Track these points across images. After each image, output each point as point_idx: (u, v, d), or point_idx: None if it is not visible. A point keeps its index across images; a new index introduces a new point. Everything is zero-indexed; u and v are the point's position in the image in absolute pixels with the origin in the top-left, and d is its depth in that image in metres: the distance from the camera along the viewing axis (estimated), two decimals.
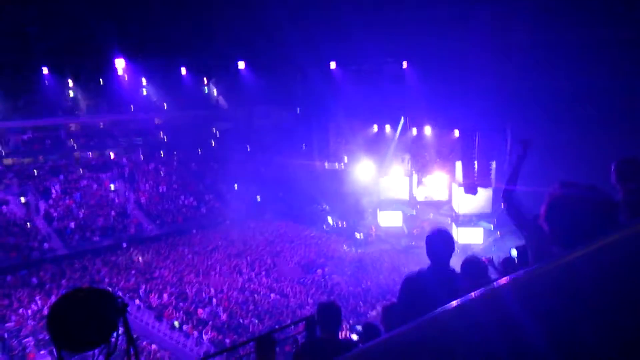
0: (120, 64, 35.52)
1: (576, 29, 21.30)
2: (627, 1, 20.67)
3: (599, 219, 1.93)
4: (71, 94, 39.30)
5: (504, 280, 1.44)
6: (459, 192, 31.71)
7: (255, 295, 24.78)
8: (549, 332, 1.27)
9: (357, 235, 33.22)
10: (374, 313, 21.36)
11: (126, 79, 36.78)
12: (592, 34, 20.48)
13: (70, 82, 38.48)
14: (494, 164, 30.16)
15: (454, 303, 1.43)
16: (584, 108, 21.48)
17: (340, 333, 4.44)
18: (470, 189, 30.18)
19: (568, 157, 19.55)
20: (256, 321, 22.02)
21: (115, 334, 2.17)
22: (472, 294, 1.41)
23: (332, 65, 34.52)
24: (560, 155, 20.46)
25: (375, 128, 36.13)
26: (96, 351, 2.12)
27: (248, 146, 40.08)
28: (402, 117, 34.26)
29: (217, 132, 43.92)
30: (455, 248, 3.87)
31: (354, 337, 6.26)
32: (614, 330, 1.22)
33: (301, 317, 4.66)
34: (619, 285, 1.25)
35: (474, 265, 4.20)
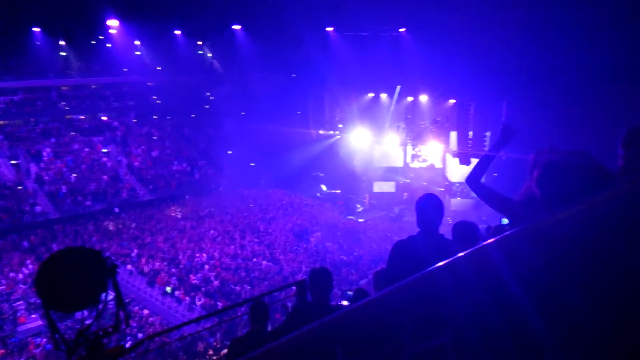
0: (113, 25, 34.90)
1: (575, 6, 21.06)
2: None
3: (590, 184, 1.92)
4: (63, 54, 38.67)
5: (490, 240, 1.44)
6: (453, 161, 31.82)
7: (248, 262, 24.95)
8: (532, 288, 1.29)
9: (358, 207, 33.34)
10: (365, 281, 21.58)
11: (119, 40, 36.17)
12: (591, 11, 20.28)
13: (62, 43, 37.84)
14: (488, 135, 30.18)
15: (441, 263, 1.44)
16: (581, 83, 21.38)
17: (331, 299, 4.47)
18: (465, 159, 30.27)
19: (563, 129, 19.53)
20: (248, 287, 22.22)
21: (104, 295, 2.15)
22: (460, 254, 1.42)
23: (329, 30, 34.06)
24: (555, 126, 20.46)
25: (371, 96, 35.93)
26: (85, 312, 2.11)
27: (243, 112, 39.77)
28: (398, 86, 34.05)
29: (212, 96, 43.51)
30: (446, 216, 3.87)
31: (345, 302, 6.31)
32: (595, 288, 1.24)
33: (292, 282, 4.68)
34: (599, 244, 1.26)
35: (465, 228, 4.19)
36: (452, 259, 1.44)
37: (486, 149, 29.76)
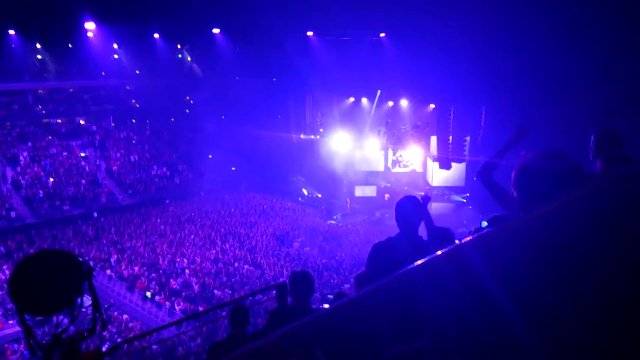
0: (90, 28, 34.51)
1: (554, 9, 21.38)
2: None
3: (567, 185, 1.94)
4: (39, 58, 38.15)
5: (467, 239, 1.45)
6: (433, 166, 32.05)
7: (229, 267, 24.81)
8: (511, 288, 1.30)
9: (336, 217, 33.28)
10: (347, 286, 21.58)
11: (97, 44, 35.78)
12: (569, 15, 20.60)
13: (39, 46, 37.33)
14: (468, 139, 30.48)
15: (418, 262, 1.43)
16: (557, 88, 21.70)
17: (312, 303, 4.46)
18: (445, 164, 30.53)
19: (543, 132, 19.78)
20: (229, 292, 22.09)
21: (80, 299, 2.12)
22: (438, 252, 1.42)
23: (309, 34, 34.11)
24: (535, 130, 20.68)
25: (352, 100, 36.04)
26: (60, 316, 2.07)
27: (223, 116, 39.61)
28: (379, 90, 34.22)
29: (191, 100, 43.26)
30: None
31: (326, 306, 6.29)
32: (574, 288, 1.24)
33: (272, 285, 4.67)
34: (578, 242, 1.27)
35: (441, 231, 4.26)
36: (429, 257, 1.45)
37: (466, 153, 30.21)
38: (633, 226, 1.26)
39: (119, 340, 18.91)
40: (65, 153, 35.74)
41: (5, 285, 21.47)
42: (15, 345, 18.62)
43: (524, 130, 3.69)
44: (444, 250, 1.45)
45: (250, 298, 16.12)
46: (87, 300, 2.17)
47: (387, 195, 34.11)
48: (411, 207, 3.76)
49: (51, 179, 32.65)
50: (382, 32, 32.18)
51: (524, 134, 3.68)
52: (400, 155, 34.65)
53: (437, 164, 31.34)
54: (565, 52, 21.44)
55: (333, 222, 32.68)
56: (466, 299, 1.35)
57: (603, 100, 19.06)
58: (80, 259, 2.13)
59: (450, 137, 30.79)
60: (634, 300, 1.18)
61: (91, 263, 2.07)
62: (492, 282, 1.32)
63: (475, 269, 1.35)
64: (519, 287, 1.29)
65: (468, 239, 1.47)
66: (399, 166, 34.94)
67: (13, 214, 28.98)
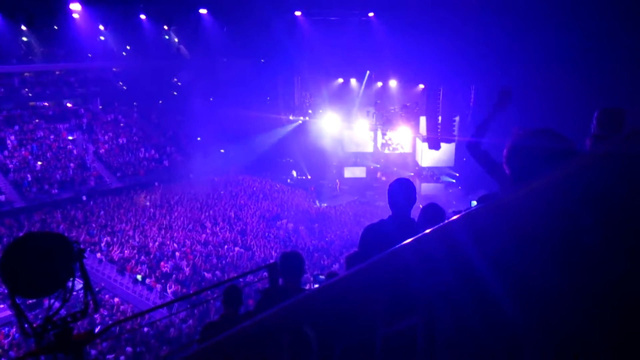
0: (76, 9, 33.94)
1: None
2: None
3: (558, 163, 1.96)
4: (25, 40, 37.55)
5: (454, 217, 1.46)
6: (422, 146, 32.09)
7: (219, 249, 24.85)
8: (499, 266, 1.30)
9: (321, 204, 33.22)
10: (337, 266, 21.72)
11: (83, 25, 35.23)
12: None
13: (24, 28, 36.70)
14: (457, 119, 30.50)
15: (407, 241, 1.44)
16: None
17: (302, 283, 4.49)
18: (434, 144, 30.56)
19: (532, 111, 19.85)
20: (220, 274, 22.16)
21: (71, 281, 2.13)
22: (426, 231, 1.43)
23: (297, 14, 33.79)
24: (524, 109, 20.74)
25: (340, 81, 35.90)
26: (52, 298, 2.08)
27: (211, 97, 39.33)
28: (368, 71, 34.08)
29: (179, 82, 42.86)
30: (418, 199, 3.91)
31: (316, 286, 6.34)
32: (563, 266, 1.25)
33: (263, 265, 4.69)
34: (565, 219, 1.28)
35: (432, 210, 4.27)
36: (418, 236, 1.45)
37: (455, 133, 30.25)
38: (617, 204, 1.27)
39: (110, 323, 18.98)
40: (52, 136, 35.38)
41: None
42: (7, 329, 18.60)
43: (507, 91, 3.53)
44: (432, 229, 1.45)
45: (242, 279, 16.19)
46: (78, 284, 2.18)
47: (380, 175, 34.17)
48: (403, 190, 3.77)
49: (39, 163, 32.36)
50: (370, 12, 31.94)
51: (507, 96, 3.53)
52: (390, 139, 34.63)
53: (426, 144, 31.38)
54: (554, 29, 21.40)
55: (324, 204, 32.70)
56: (454, 277, 1.36)
57: (593, 77, 19.11)
58: (71, 241, 2.13)
59: (440, 118, 30.80)
60: (621, 278, 1.19)
61: (79, 243, 2.05)
62: (480, 261, 1.32)
63: (463, 247, 1.36)
64: (507, 266, 1.29)
65: (455, 217, 1.48)
66: (388, 149, 34.97)
67: (2, 197, 28.76)
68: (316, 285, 6.61)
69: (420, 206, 4.65)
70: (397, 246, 1.46)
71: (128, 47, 40.14)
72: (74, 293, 2.14)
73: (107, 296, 21.44)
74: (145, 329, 16.61)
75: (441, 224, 1.45)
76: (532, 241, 1.32)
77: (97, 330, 16.99)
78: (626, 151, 1.40)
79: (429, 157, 31.99)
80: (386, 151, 35.10)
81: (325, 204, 32.68)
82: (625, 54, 18.95)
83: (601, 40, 19.88)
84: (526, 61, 22.41)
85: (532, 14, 22.04)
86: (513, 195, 1.50)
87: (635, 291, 1.18)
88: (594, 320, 1.20)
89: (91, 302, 2.21)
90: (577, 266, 1.25)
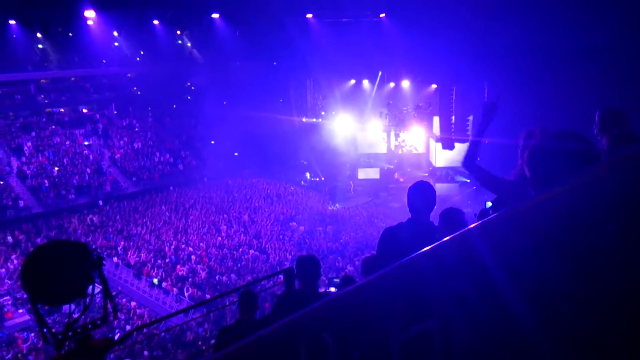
0: (90, 16, 34.32)
1: None
2: None
3: (579, 167, 1.95)
4: (40, 47, 38.02)
5: (473, 225, 1.46)
6: (436, 146, 31.95)
7: (234, 252, 24.93)
8: (516, 273, 1.30)
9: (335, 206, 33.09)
10: (352, 268, 21.68)
11: (97, 32, 35.60)
12: None
13: (39, 36, 37.17)
14: (471, 118, 30.32)
15: (425, 249, 1.44)
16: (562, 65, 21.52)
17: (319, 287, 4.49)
18: (448, 144, 30.41)
19: (546, 108, 19.72)
20: (235, 277, 22.23)
21: (91, 288, 2.15)
22: (444, 239, 1.43)
23: (309, 17, 33.86)
24: (538, 106, 20.62)
25: (353, 82, 35.88)
26: (72, 305, 2.11)
27: (224, 101, 39.51)
28: (380, 72, 34.02)
29: (192, 86, 43.11)
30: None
31: (332, 289, 6.35)
32: (581, 274, 1.24)
33: (279, 270, 4.70)
34: (585, 226, 1.27)
35: (452, 215, 4.25)
36: (435, 244, 1.45)
37: (469, 133, 30.05)
38: (637, 210, 1.26)
39: (127, 327, 19.12)
40: (68, 142, 35.77)
41: (15, 275, 21.72)
42: (25, 334, 18.82)
43: (492, 104, 3.49)
44: (450, 237, 1.45)
45: (257, 283, 16.23)
46: (96, 288, 2.20)
47: (397, 175, 34.05)
48: (423, 193, 3.76)
49: (56, 169, 32.74)
50: (382, 13, 31.92)
51: (492, 109, 3.48)
52: (403, 140, 34.54)
53: (440, 144, 31.24)
54: (567, 27, 21.23)
55: (337, 206, 32.66)
56: (472, 284, 1.35)
57: (605, 75, 18.92)
58: (91, 248, 2.16)
59: (453, 117, 30.66)
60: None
61: (98, 250, 2.08)
62: (498, 269, 1.32)
63: (481, 255, 1.35)
64: (524, 274, 1.29)
65: (474, 225, 1.48)
66: (402, 150, 34.87)
67: (21, 203, 29.13)
68: (332, 289, 6.61)
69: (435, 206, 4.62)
70: (414, 254, 1.46)
71: (142, 53, 40.45)
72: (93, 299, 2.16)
73: (124, 300, 21.62)
74: (162, 334, 16.71)
75: (458, 232, 1.45)
76: (550, 247, 1.31)
77: (115, 335, 17.16)
78: None
79: (443, 157, 31.82)
80: (400, 152, 35.00)
81: (339, 206, 32.64)
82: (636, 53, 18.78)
83: (617, 40, 19.68)
84: (538, 58, 22.24)
85: (544, 11, 21.88)
86: (531, 202, 1.49)
87: None
88: (610, 328, 1.18)
89: (110, 309, 2.23)
90: (594, 273, 1.24)
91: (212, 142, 39.17)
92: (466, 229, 1.44)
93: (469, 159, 3.34)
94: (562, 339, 1.22)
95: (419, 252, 1.45)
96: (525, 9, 22.57)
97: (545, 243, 1.29)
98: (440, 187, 30.25)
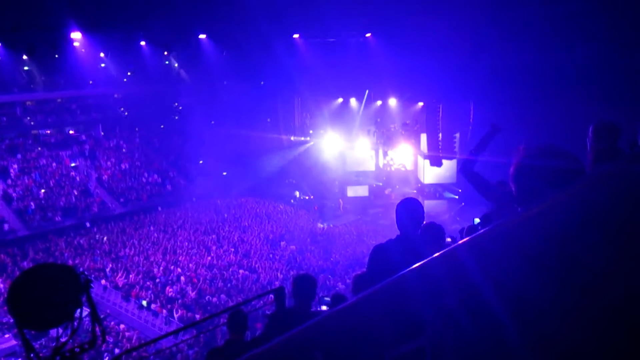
0: (76, 37, 34.31)
1: (542, 5, 21.57)
2: None
3: (564, 182, 1.96)
4: (26, 69, 37.90)
5: (461, 241, 1.47)
6: (424, 163, 32.13)
7: (224, 272, 24.76)
8: (503, 290, 1.30)
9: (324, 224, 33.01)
10: (343, 286, 21.61)
11: (83, 53, 35.56)
12: (556, 10, 20.80)
13: (25, 57, 37.04)
14: (457, 136, 30.56)
15: (414, 266, 1.45)
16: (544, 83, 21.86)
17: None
18: (435, 161, 30.57)
19: (530, 127, 19.94)
20: (226, 298, 22.04)
21: (79, 311, 2.13)
22: (432, 256, 1.44)
23: (296, 37, 34.14)
24: (522, 125, 20.83)
25: (340, 100, 36.11)
26: (60, 329, 2.08)
27: (212, 120, 39.54)
28: (367, 90, 34.28)
29: (180, 106, 43.13)
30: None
31: (323, 308, 6.33)
32: (566, 290, 1.25)
33: (270, 290, 4.69)
34: (566, 243, 1.28)
35: (431, 229, 4.30)
36: (424, 261, 1.46)
37: (456, 150, 30.27)
38: (622, 225, 1.27)
39: (116, 350, 18.84)
40: (55, 164, 35.54)
41: (0, 300, 21.36)
42: (12, 359, 18.47)
43: (497, 126, 3.82)
44: (438, 253, 1.46)
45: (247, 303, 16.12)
46: (84, 311, 2.18)
47: (388, 191, 34.16)
48: (410, 210, 3.79)
49: (42, 191, 32.46)
50: (368, 32, 32.24)
51: (497, 130, 3.81)
52: (392, 159, 34.73)
53: (428, 161, 31.42)
54: (552, 47, 21.59)
55: (325, 224, 32.63)
56: (460, 302, 1.35)
57: (591, 95, 19.20)
58: (78, 271, 2.14)
59: (440, 135, 30.87)
60: (626, 303, 1.19)
61: (86, 273, 2.05)
62: (486, 286, 1.32)
63: (469, 272, 1.36)
64: (511, 291, 1.29)
65: (462, 241, 1.49)
66: (390, 168, 35.07)
67: (6, 226, 28.78)
68: (323, 307, 6.58)
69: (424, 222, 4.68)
70: (403, 272, 1.47)
71: (129, 73, 40.45)
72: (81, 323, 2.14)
73: (112, 323, 21.33)
74: (152, 357, 16.48)
75: (447, 249, 1.46)
76: (536, 263, 1.31)
77: (104, 359, 16.92)
78: (629, 171, 1.40)
79: (431, 174, 31.98)
80: (388, 169, 35.16)
81: (329, 224, 32.61)
82: (621, 73, 19.12)
83: (599, 59, 20.05)
84: (523, 77, 22.55)
85: (529, 32, 22.24)
86: (517, 218, 1.50)
87: (636, 314, 1.17)
88: (596, 343, 1.18)
89: (99, 332, 2.21)
90: (581, 288, 1.24)
91: (201, 161, 39.11)
92: (454, 245, 1.45)
93: (468, 166, 3.53)
94: (551, 355, 1.23)
95: (408, 269, 1.45)
96: (510, 29, 22.90)
97: (532, 259, 1.30)
98: (428, 204, 30.39)
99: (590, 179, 1.54)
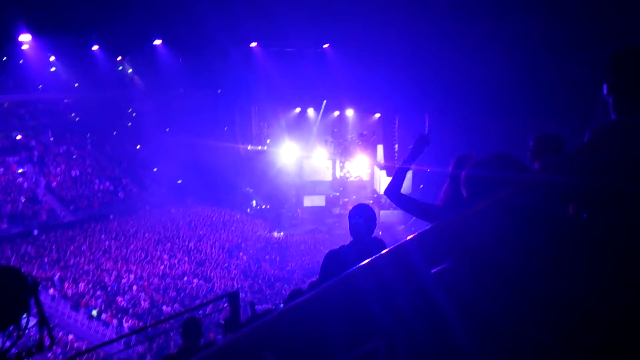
0: (25, 40, 33.29)
1: (492, 21, 22.26)
2: None
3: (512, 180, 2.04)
4: None
5: (408, 238, 1.50)
6: (380, 174, 32.45)
7: (178, 281, 24.34)
8: (449, 288, 1.33)
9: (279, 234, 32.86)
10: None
11: (33, 56, 34.52)
12: (507, 25, 21.53)
13: None
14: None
15: (362, 263, 1.47)
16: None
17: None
18: (391, 172, 30.83)
19: (482, 138, 20.47)
20: (179, 307, 21.66)
21: (25, 315, 2.08)
22: (381, 252, 1.46)
23: (253, 45, 34.09)
24: (474, 136, 21.36)
25: (298, 110, 36.20)
26: (5, 334, 2.03)
27: (167, 128, 38.95)
28: (324, 100, 34.48)
29: (134, 112, 42.29)
30: (377, 227, 3.96)
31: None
32: (509, 286, 1.28)
33: (224, 294, 4.66)
34: (511, 238, 1.33)
35: (375, 243, 4.34)
36: (371, 258, 1.48)
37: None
38: (566, 224, 1.32)
39: None
40: (1, 169, 34.23)
41: None
42: None
43: (424, 136, 3.74)
44: (385, 251, 1.48)
45: (200, 311, 15.88)
46: (32, 321, 2.12)
47: (342, 202, 34.26)
48: (363, 215, 3.82)
49: None
50: (325, 43, 32.49)
51: (424, 141, 3.72)
52: (348, 172, 34.95)
53: (384, 172, 31.75)
54: (502, 61, 22.27)
55: (281, 233, 32.51)
56: (411, 301, 1.37)
57: (538, 106, 19.89)
58: (25, 274, 2.08)
59: (396, 146, 31.31)
60: (569, 299, 1.23)
61: (33, 275, 1.97)
62: (432, 283, 1.35)
63: (416, 270, 1.38)
64: (456, 288, 1.32)
65: (408, 238, 1.52)
66: (348, 180, 35.29)
67: None
68: None
69: (380, 232, 4.70)
70: (351, 269, 1.48)
71: (80, 78, 39.43)
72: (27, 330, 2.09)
73: (60, 333, 20.62)
74: None
75: (394, 246, 1.48)
76: (479, 261, 1.34)
77: None
78: (562, 176, 1.46)
79: (387, 185, 32.29)
80: (346, 177, 35.33)
81: (284, 233, 32.51)
82: (558, 82, 19.94)
83: (549, 71, 20.83)
84: (475, 89, 23.15)
85: (481, 46, 22.88)
86: (460, 214, 1.55)
87: (584, 309, 1.22)
88: (543, 339, 1.22)
89: (47, 337, 2.16)
90: (523, 285, 1.27)
91: (155, 169, 38.43)
92: (401, 242, 1.48)
93: (393, 187, 3.47)
94: (501, 354, 1.26)
95: (356, 266, 1.47)
96: (464, 43, 23.51)
97: (474, 255, 1.34)
98: (384, 214, 30.64)
99: (539, 175, 1.59)
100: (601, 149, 1.62)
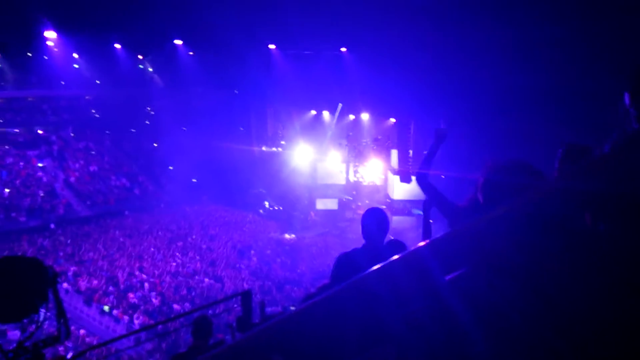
0: (51, 37, 33.75)
1: (508, 29, 22.09)
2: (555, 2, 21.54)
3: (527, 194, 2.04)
4: None
5: (422, 243, 1.51)
6: (394, 179, 32.36)
7: (189, 280, 24.46)
8: (465, 293, 1.34)
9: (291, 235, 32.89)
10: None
11: (57, 53, 34.97)
12: (525, 33, 21.35)
13: None
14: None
15: (375, 267, 1.47)
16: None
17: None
18: (405, 177, 30.82)
19: (499, 145, 20.33)
20: (190, 306, 21.77)
21: (44, 305, 2.13)
22: (393, 258, 1.47)
23: (271, 47, 34.20)
24: (491, 145, 21.23)
25: (313, 113, 36.24)
26: (24, 322, 2.08)
27: (184, 127, 39.20)
28: (340, 104, 34.48)
29: (152, 111, 42.63)
30: (390, 232, 3.96)
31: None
32: (525, 294, 1.29)
33: (237, 293, 4.69)
34: (529, 246, 1.34)
35: (395, 245, 4.35)
36: (384, 263, 1.48)
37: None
38: (581, 232, 1.33)
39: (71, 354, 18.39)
40: (22, 163, 34.68)
41: None
42: None
43: (443, 131, 3.80)
44: (399, 256, 1.48)
45: (210, 311, 15.94)
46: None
47: (355, 207, 34.20)
48: (376, 219, 3.83)
49: (7, 190, 31.62)
50: (343, 47, 32.50)
51: (443, 135, 3.80)
52: (362, 176, 34.89)
53: (398, 177, 31.65)
54: (519, 69, 22.10)
55: (293, 235, 32.52)
56: (424, 306, 1.38)
57: (560, 114, 19.68)
58: (46, 265, 2.13)
59: (411, 151, 31.18)
60: (587, 307, 1.24)
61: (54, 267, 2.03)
62: (447, 289, 1.35)
63: (431, 275, 1.39)
64: (472, 294, 1.33)
65: (422, 244, 1.52)
66: (362, 184, 35.23)
67: None
68: None
69: (392, 237, 4.68)
70: (364, 273, 1.49)
71: (101, 76, 39.86)
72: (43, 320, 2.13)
73: (72, 327, 20.75)
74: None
75: (408, 251, 1.49)
76: (495, 267, 1.35)
77: (68, 355, 16.48)
78: (586, 185, 1.47)
79: (401, 190, 32.17)
80: (360, 181, 35.29)
81: (296, 236, 32.51)
82: (581, 94, 19.70)
83: (561, 80, 20.64)
84: (493, 98, 23.00)
85: (498, 53, 22.74)
86: (478, 221, 1.55)
87: (598, 317, 1.23)
88: (560, 346, 1.23)
89: (63, 327, 2.21)
90: (542, 292, 1.28)
91: (171, 167, 38.68)
92: (415, 247, 1.50)
93: (421, 175, 3.52)
94: (512, 359, 1.27)
95: (369, 270, 1.48)
96: (481, 49, 23.37)
97: (490, 262, 1.34)
98: (396, 220, 30.54)
99: (550, 190, 1.59)
100: (621, 159, 1.63)
